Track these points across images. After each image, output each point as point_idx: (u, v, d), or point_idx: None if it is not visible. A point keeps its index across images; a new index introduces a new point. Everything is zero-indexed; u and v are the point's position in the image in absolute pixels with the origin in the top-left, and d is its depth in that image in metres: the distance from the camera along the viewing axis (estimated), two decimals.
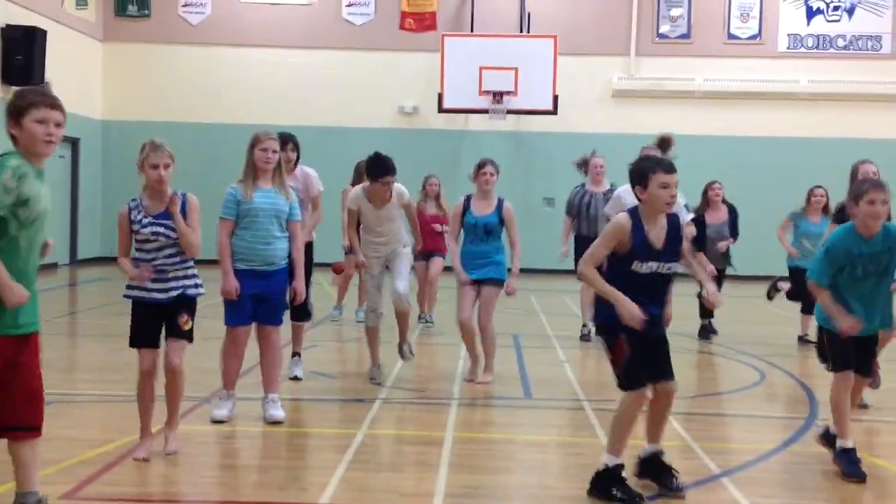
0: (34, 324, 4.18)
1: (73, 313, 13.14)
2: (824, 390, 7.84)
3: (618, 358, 4.82)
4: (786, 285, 10.97)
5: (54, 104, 4.10)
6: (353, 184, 10.95)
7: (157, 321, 5.45)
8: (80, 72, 19.85)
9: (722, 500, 4.99)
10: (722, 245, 10.84)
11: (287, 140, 7.41)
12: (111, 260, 20.27)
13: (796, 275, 10.74)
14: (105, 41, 20.74)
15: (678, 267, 4.90)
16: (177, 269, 5.43)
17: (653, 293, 4.80)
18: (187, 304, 5.48)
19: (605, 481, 4.81)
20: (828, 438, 5.57)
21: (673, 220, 4.87)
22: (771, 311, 11.45)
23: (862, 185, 5.35)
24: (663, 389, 4.92)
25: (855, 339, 5.36)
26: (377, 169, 7.43)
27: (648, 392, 4.85)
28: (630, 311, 4.66)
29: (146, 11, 20.71)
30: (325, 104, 20.33)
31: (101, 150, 20.73)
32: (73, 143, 19.82)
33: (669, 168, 4.78)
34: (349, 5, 20.58)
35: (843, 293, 5.36)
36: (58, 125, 4.09)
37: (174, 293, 5.42)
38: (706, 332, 10.94)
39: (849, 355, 5.39)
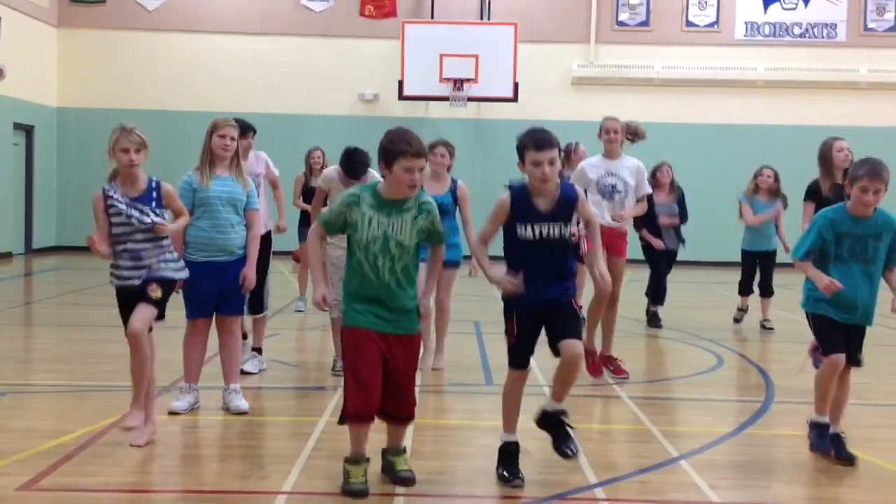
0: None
1: (27, 303, 12.95)
2: (781, 374, 8.01)
3: (509, 337, 4.90)
4: (744, 306, 11.05)
5: (420, 153, 4.63)
6: (306, 172, 11.24)
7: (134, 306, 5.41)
8: (35, 58, 19.55)
9: (681, 482, 5.04)
10: (664, 219, 10.79)
11: (250, 128, 7.55)
12: (66, 249, 20.10)
13: (749, 258, 10.90)
14: (60, 27, 20.43)
15: (565, 227, 4.77)
16: (152, 254, 5.39)
17: (546, 266, 4.73)
18: (161, 280, 5.44)
19: (498, 457, 4.98)
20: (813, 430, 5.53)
21: (566, 188, 4.82)
22: (728, 295, 11.58)
23: (858, 170, 5.20)
24: (565, 348, 4.76)
25: (842, 328, 5.30)
26: (353, 168, 7.39)
27: (524, 371, 4.93)
28: (497, 280, 4.73)
29: None
30: (284, 91, 20.21)
31: (55, 137, 20.44)
32: (28, 131, 19.51)
33: (541, 145, 4.66)
34: None
35: (831, 276, 5.24)
36: (420, 170, 4.64)
37: (151, 273, 5.40)
38: (655, 320, 10.92)
39: (838, 339, 5.31)
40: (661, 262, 10.91)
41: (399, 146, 4.58)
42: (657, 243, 10.67)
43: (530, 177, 4.74)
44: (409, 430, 5.84)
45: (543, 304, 4.80)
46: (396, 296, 4.69)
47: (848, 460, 5.34)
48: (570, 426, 4.95)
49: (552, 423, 4.96)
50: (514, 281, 4.73)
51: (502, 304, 4.94)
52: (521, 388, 4.98)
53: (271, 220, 8.02)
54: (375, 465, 4.90)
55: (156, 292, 5.40)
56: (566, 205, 4.80)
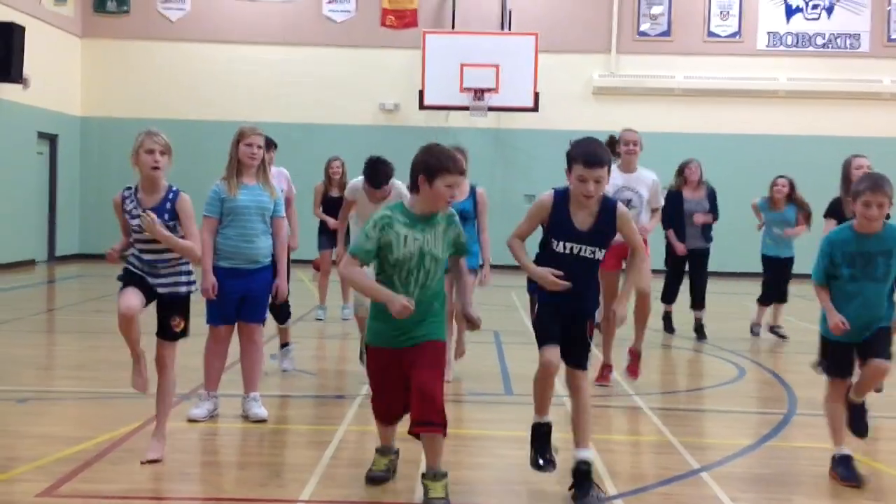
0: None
1: (50, 310, 13.04)
2: (802, 386, 7.94)
3: (534, 319, 4.89)
4: (759, 319, 11.03)
5: (463, 171, 4.73)
6: (325, 182, 11.38)
7: (147, 286, 5.20)
8: (59, 68, 19.72)
9: (702, 495, 5.00)
10: (699, 217, 10.76)
11: (272, 144, 7.63)
12: (89, 257, 20.23)
13: (769, 263, 10.91)
14: (84, 37, 20.61)
15: (598, 252, 4.76)
16: (167, 266, 5.25)
17: (572, 277, 4.71)
18: (179, 304, 5.30)
19: (531, 439, 4.95)
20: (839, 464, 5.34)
21: (608, 206, 4.75)
22: (750, 306, 11.50)
23: (860, 185, 5.15)
24: (570, 373, 4.82)
25: (854, 346, 5.22)
26: (375, 178, 7.44)
27: (553, 358, 4.72)
28: (539, 273, 4.70)
29: (125, 8, 20.59)
30: (305, 101, 20.29)
31: (79, 146, 20.60)
32: (52, 140, 19.68)
33: (590, 163, 4.59)
34: (330, 2, 20.51)
35: (840, 295, 5.19)
36: (458, 186, 4.70)
37: (164, 290, 5.25)
38: (667, 324, 11.05)
39: (845, 363, 5.24)
40: (678, 263, 10.88)
41: (444, 163, 4.58)
42: (679, 248, 10.65)
43: (574, 189, 4.69)
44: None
45: (563, 310, 4.77)
46: (422, 309, 4.65)
47: (859, 433, 5.45)
48: (598, 487, 4.79)
49: (581, 479, 4.76)
50: (557, 276, 4.67)
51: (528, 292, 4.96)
52: (547, 378, 4.79)
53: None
54: (407, 476, 4.89)
55: (179, 326, 5.30)
56: (605, 226, 4.75)
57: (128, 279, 5.24)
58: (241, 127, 6.36)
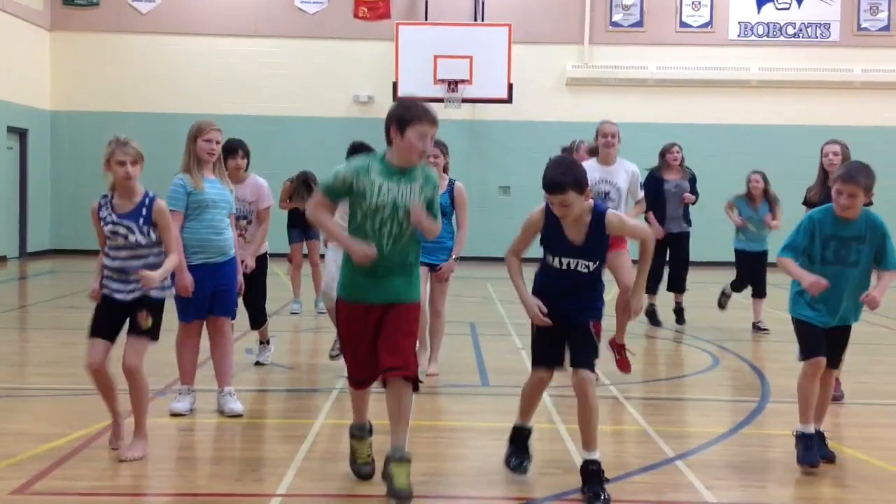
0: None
1: (22, 307, 12.92)
2: (776, 374, 8.01)
3: (532, 337, 4.96)
4: (729, 290, 11.12)
5: (435, 121, 4.64)
6: (296, 184, 11.32)
7: (115, 316, 5.24)
8: (28, 62, 19.51)
9: (677, 483, 5.04)
10: (688, 197, 10.80)
11: (237, 147, 7.28)
12: (61, 252, 20.05)
13: (741, 258, 10.93)
14: (53, 30, 20.39)
15: (594, 265, 4.79)
16: (139, 272, 5.21)
17: (569, 288, 4.77)
18: (149, 302, 5.25)
19: (510, 437, 5.07)
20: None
21: (598, 215, 4.75)
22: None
23: (838, 172, 5.27)
24: (576, 375, 4.75)
25: (823, 331, 5.24)
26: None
27: (544, 377, 4.93)
28: (528, 305, 4.79)
29: (95, 0, 20.39)
30: (279, 93, 20.19)
31: (49, 141, 20.40)
32: (21, 135, 19.48)
33: (549, 189, 4.63)
34: None
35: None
36: (431, 137, 4.66)
37: (135, 294, 5.22)
38: (653, 317, 10.97)
39: (818, 342, 5.24)
40: (659, 250, 10.89)
41: (414, 112, 4.59)
42: (658, 230, 10.68)
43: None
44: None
45: (560, 313, 4.77)
46: (396, 264, 4.64)
47: (828, 459, 5.31)
48: (606, 480, 4.74)
49: (592, 480, 4.70)
50: (543, 310, 4.74)
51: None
52: (534, 392, 5.01)
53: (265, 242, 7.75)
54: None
55: (146, 322, 5.21)
56: (597, 238, 4.75)
57: (95, 321, 5.26)
58: (197, 122, 6.25)
